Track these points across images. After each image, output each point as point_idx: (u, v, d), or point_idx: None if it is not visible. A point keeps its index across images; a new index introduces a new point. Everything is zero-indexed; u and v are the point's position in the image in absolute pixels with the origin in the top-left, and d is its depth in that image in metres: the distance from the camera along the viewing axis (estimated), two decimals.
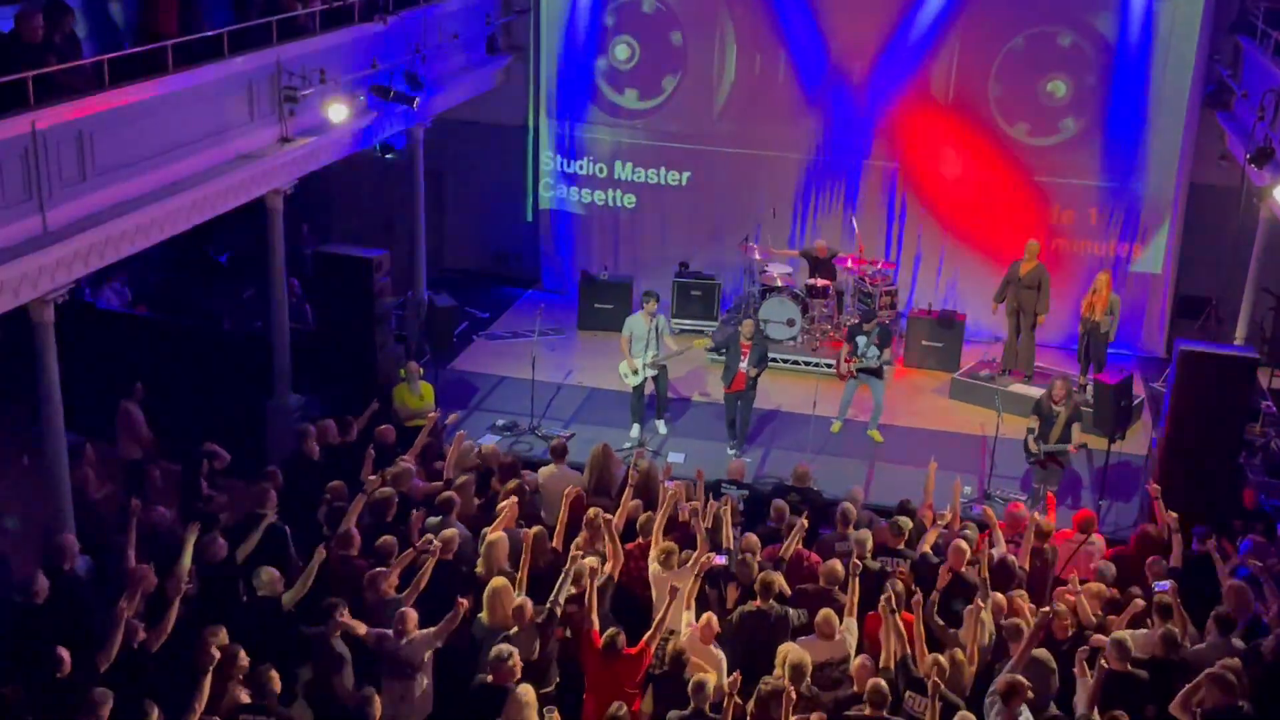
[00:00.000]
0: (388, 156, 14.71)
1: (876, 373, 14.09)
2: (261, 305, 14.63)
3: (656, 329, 13.76)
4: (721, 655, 8.60)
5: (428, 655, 8.40)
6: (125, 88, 10.09)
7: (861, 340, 13.97)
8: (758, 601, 9.00)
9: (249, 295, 16.14)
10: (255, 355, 13.37)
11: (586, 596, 8.55)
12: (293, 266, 14.41)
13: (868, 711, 7.79)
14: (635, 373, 13.75)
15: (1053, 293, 15.19)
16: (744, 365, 13.47)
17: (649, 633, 8.45)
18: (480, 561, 9.40)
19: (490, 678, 8.00)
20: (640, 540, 9.85)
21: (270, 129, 12.21)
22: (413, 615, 8.41)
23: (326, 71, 12.59)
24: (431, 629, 8.40)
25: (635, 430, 13.91)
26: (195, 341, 13.92)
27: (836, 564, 9.43)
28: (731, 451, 13.57)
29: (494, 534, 9.51)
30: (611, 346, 14.64)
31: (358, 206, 18.08)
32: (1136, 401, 14.07)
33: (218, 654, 7.64)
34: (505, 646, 8.08)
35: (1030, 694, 7.85)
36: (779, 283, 16.39)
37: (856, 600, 8.99)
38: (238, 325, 15.61)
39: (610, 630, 8.30)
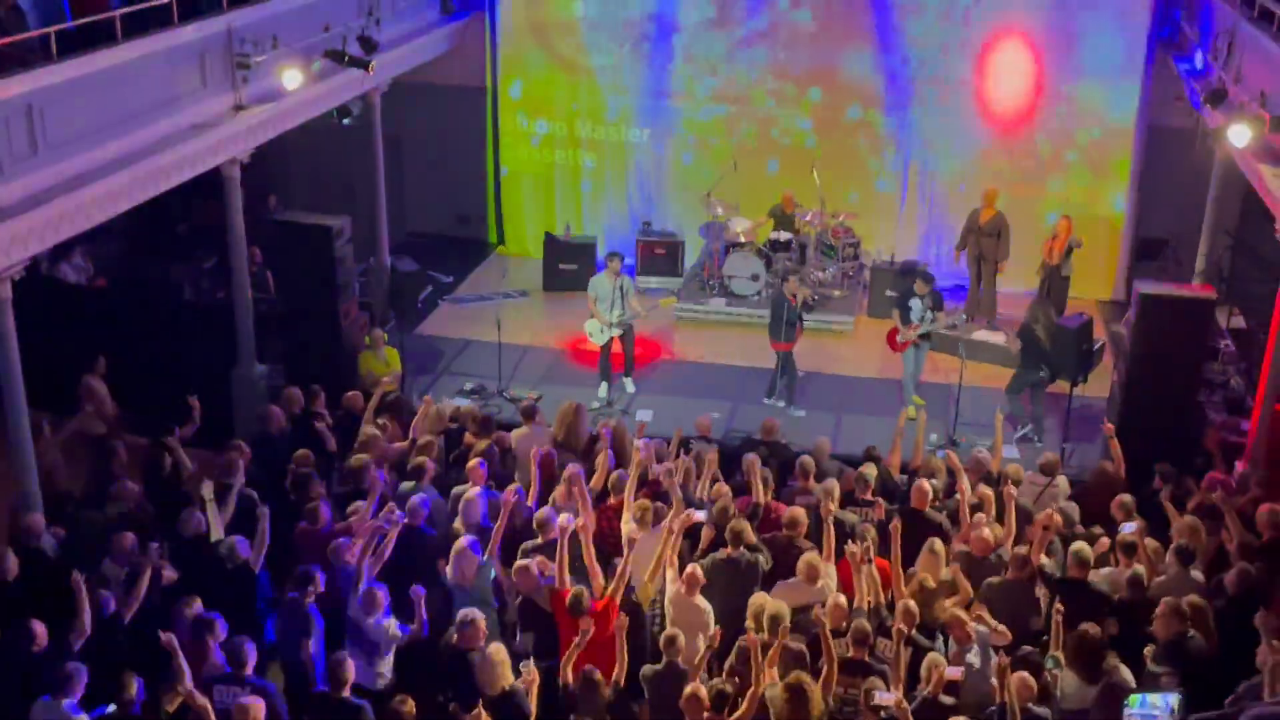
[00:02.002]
0: (345, 122, 14.59)
1: (926, 337, 13.63)
2: (223, 275, 14.55)
3: (621, 289, 13.76)
4: (708, 607, 8.68)
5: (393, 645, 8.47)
6: (74, 59, 9.97)
7: (917, 304, 13.45)
8: (728, 550, 9.11)
9: (210, 266, 16.02)
10: (218, 326, 13.31)
11: (558, 555, 8.59)
12: (258, 236, 14.31)
13: (851, 653, 7.91)
14: (601, 331, 13.77)
15: (1014, 239, 15.30)
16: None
17: (610, 586, 8.49)
18: (458, 520, 9.44)
19: (456, 638, 8.06)
20: (612, 499, 9.92)
21: (224, 97, 12.09)
22: (381, 598, 8.43)
23: (279, 38, 12.46)
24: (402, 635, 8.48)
25: (603, 389, 13.94)
26: (157, 314, 13.83)
27: (799, 511, 9.55)
28: (768, 401, 13.76)
29: (470, 493, 9.55)
30: (577, 307, 14.65)
31: (317, 174, 17.93)
32: (1098, 345, 14.21)
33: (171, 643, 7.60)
34: (472, 610, 8.13)
35: (974, 631, 8.13)
36: (742, 239, 16.42)
37: (832, 549, 9.10)
38: (200, 296, 15.50)
39: (575, 590, 8.35)
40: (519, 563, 8.71)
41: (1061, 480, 10.91)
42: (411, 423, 11.36)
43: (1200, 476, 10.93)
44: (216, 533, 9.20)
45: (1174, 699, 3.33)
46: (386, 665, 8.49)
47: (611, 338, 13.82)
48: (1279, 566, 9.05)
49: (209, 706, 7.07)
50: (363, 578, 8.52)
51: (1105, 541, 9.61)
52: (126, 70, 10.60)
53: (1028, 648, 8.37)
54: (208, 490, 9.36)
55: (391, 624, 8.43)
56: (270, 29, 12.41)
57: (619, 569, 8.54)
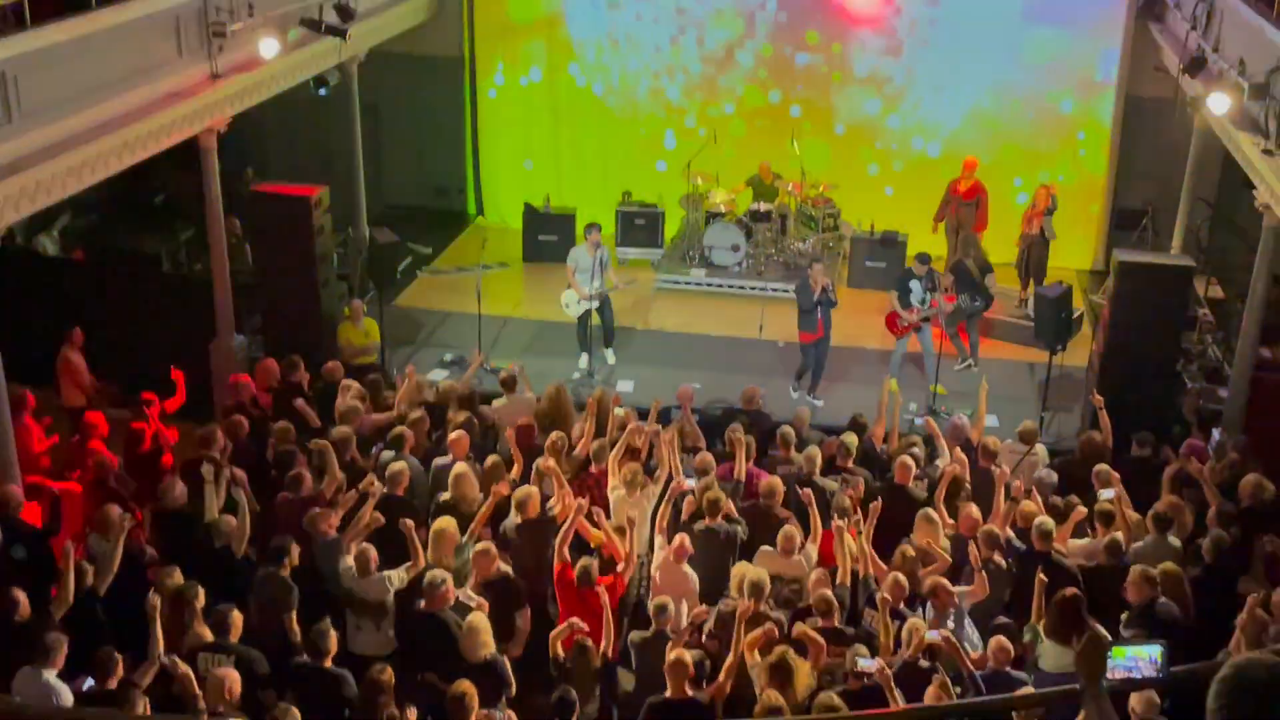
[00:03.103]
0: (321, 92, 14.46)
1: (929, 319, 13.48)
2: (200, 247, 14.45)
3: (601, 260, 13.72)
4: (694, 575, 8.72)
5: (390, 596, 8.45)
6: (48, 26, 9.84)
7: (916, 286, 13.35)
8: (707, 520, 9.13)
9: (187, 237, 15.90)
10: (196, 297, 13.23)
11: (563, 531, 8.60)
12: (235, 207, 14.20)
13: (819, 623, 7.94)
14: (579, 302, 13.74)
15: (991, 209, 15.32)
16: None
17: (621, 565, 8.53)
18: (448, 492, 9.42)
19: (424, 603, 8.07)
20: (594, 467, 9.93)
21: (199, 66, 11.95)
22: (373, 554, 8.43)
23: (255, 6, 12.32)
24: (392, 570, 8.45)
25: (584, 360, 13.92)
26: (134, 286, 13.72)
27: (776, 481, 9.57)
28: (795, 395, 13.40)
29: (460, 466, 9.53)
30: (557, 277, 14.61)
31: (294, 144, 17.81)
32: (1076, 314, 14.27)
33: (158, 601, 7.61)
34: (439, 572, 8.13)
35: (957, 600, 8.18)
36: (723, 209, 16.40)
37: (817, 524, 9.12)
38: (177, 268, 15.39)
39: (583, 561, 8.37)
40: (479, 546, 8.67)
41: (1040, 449, 10.98)
42: (393, 396, 11.35)
43: (1179, 444, 11.01)
44: (212, 513, 9.15)
45: (1158, 650, 3.34)
46: (391, 626, 8.49)
47: (589, 310, 13.80)
48: (1256, 533, 9.14)
49: (190, 674, 7.05)
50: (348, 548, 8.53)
51: (1082, 511, 9.65)
52: (101, 38, 10.47)
53: (1003, 619, 8.44)
54: (208, 471, 9.30)
55: (390, 575, 8.44)
56: None
57: (624, 550, 8.56)
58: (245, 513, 9.02)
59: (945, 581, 8.30)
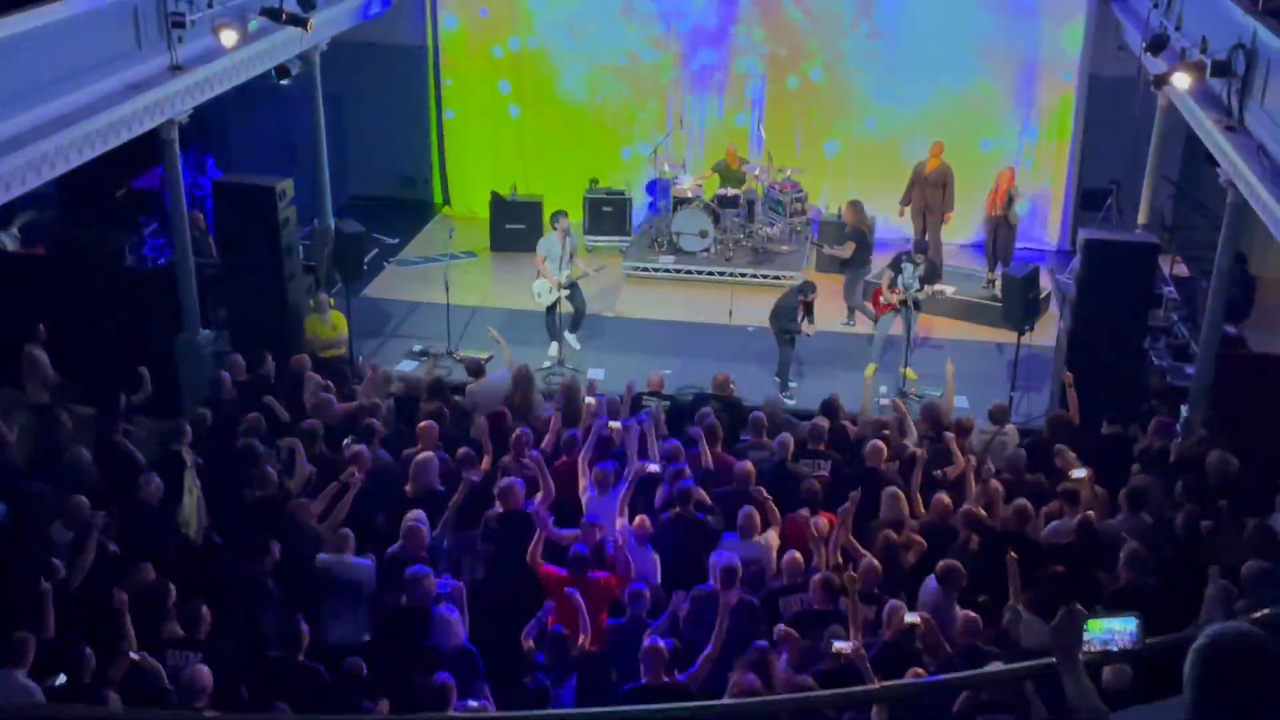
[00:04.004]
0: (284, 82, 14.32)
1: (916, 305, 13.43)
2: (165, 240, 14.30)
3: (568, 248, 13.70)
4: (655, 557, 8.71)
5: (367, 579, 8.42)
6: (2, 19, 9.69)
7: (909, 269, 13.29)
8: (677, 509, 9.13)
9: (151, 230, 15.74)
10: (161, 291, 13.09)
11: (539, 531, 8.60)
12: (198, 199, 14.08)
13: (816, 605, 7.97)
14: (550, 291, 13.70)
15: (958, 191, 15.37)
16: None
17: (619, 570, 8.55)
18: (409, 483, 9.38)
19: (405, 599, 8.03)
20: (565, 457, 9.90)
21: (159, 58, 11.80)
22: (349, 536, 8.44)
23: None
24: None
25: (554, 349, 13.88)
26: (98, 281, 13.56)
27: (749, 465, 9.59)
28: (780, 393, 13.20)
29: (422, 454, 9.50)
30: (525, 266, 14.57)
31: (258, 136, 17.66)
32: (1044, 294, 14.34)
33: (125, 598, 7.55)
34: (418, 566, 8.10)
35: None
36: (690, 194, 16.38)
37: (775, 511, 9.15)
38: (141, 262, 15.24)
39: (576, 555, 8.40)
40: None
41: (1010, 429, 11.03)
42: (360, 388, 11.30)
43: (1147, 422, 11.08)
44: (189, 501, 9.09)
45: (1134, 622, 3.36)
46: (367, 613, 8.45)
47: (559, 298, 13.76)
48: (1224, 508, 9.21)
49: (161, 669, 6.99)
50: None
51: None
52: (57, 30, 10.32)
53: (982, 597, 8.48)
54: (189, 455, 9.23)
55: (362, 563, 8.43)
56: None
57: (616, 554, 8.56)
58: (199, 498, 8.96)
59: (958, 564, 8.28)
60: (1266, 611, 4.59)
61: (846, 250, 14.38)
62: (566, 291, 13.73)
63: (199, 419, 10.29)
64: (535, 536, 8.54)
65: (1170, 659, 2.71)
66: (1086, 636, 3.28)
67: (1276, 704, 2.59)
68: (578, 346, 14.13)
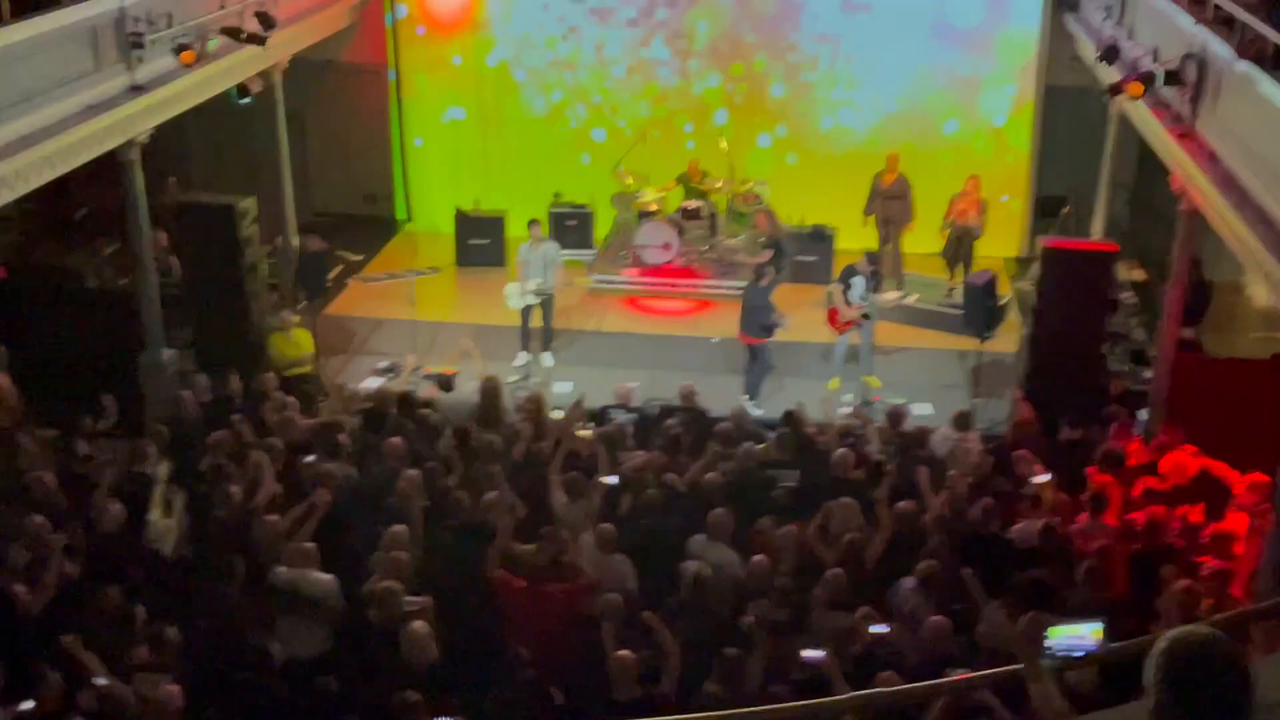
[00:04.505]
0: (245, 101, 14.28)
1: (866, 315, 13.50)
2: (126, 260, 14.20)
3: (544, 257, 13.75)
4: (626, 560, 8.75)
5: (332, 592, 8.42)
6: None
7: (859, 282, 13.35)
8: (644, 520, 9.19)
9: (112, 251, 15.64)
10: (124, 312, 13.01)
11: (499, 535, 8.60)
12: (159, 219, 13.99)
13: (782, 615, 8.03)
14: (520, 295, 13.75)
15: (917, 201, 15.52)
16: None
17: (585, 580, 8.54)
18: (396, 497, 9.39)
19: (375, 613, 8.04)
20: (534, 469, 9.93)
21: (119, 78, 11.77)
22: (313, 551, 8.42)
23: (173, 15, 12.17)
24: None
25: (522, 358, 13.91)
26: (60, 302, 13.47)
27: (716, 475, 9.65)
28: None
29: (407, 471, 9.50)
30: (490, 281, 14.59)
31: (218, 155, 17.59)
32: (1003, 301, 14.49)
33: (76, 639, 7.42)
34: (393, 583, 8.09)
35: None
36: (654, 208, 16.44)
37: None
38: (103, 283, 15.14)
39: (554, 555, 8.40)
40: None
41: (974, 434, 11.15)
42: (323, 404, 11.30)
43: (1107, 426, 11.23)
44: (159, 515, 9.04)
45: (1096, 627, 3.43)
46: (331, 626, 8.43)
47: (529, 306, 13.80)
48: (1183, 510, 9.36)
49: (129, 696, 6.94)
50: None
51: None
52: (16, 51, 10.27)
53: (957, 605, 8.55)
54: (164, 470, 9.18)
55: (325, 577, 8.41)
56: (164, 6, 12.09)
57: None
58: (179, 515, 8.91)
59: (936, 564, 8.36)
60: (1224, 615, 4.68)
61: (764, 259, 14.49)
62: (535, 300, 13.77)
63: (158, 436, 10.23)
64: (493, 546, 8.56)
65: (1135, 663, 2.77)
66: (1049, 642, 3.35)
67: (1236, 705, 2.66)
68: (549, 364, 14.15)
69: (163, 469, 9.29)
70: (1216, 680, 2.66)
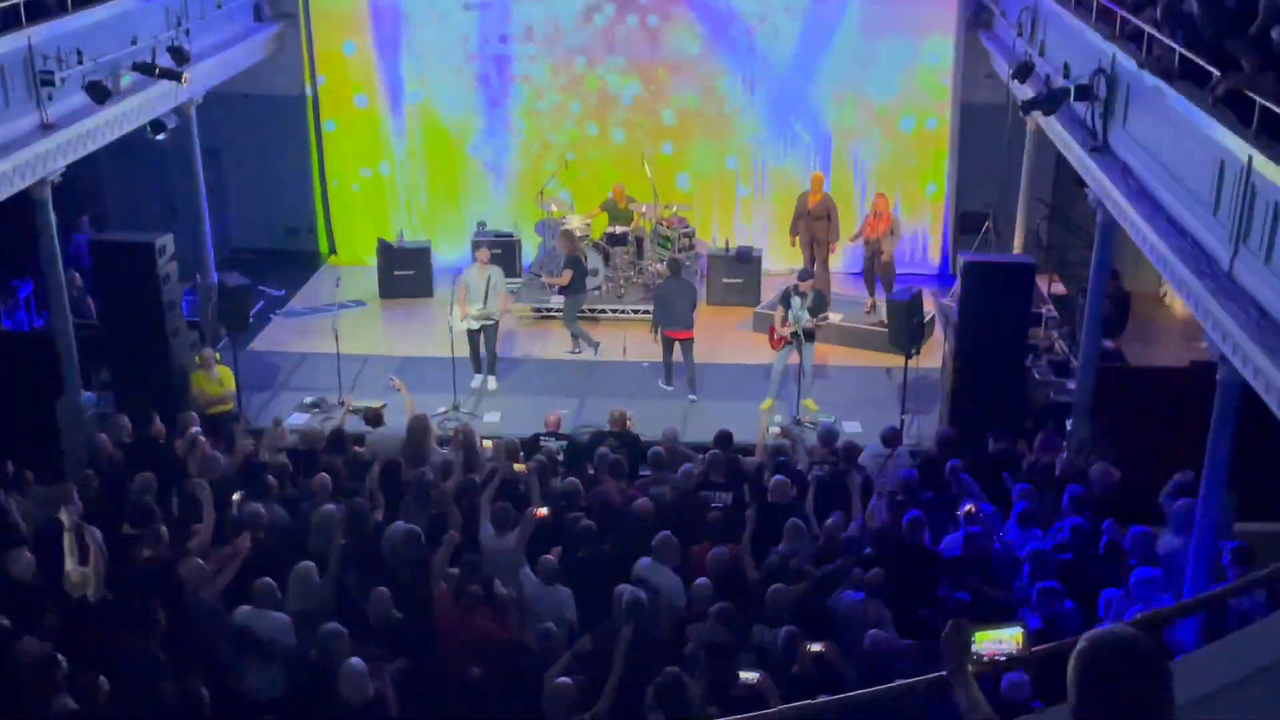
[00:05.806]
0: (159, 137, 14.09)
1: (809, 336, 13.46)
2: (40, 302, 13.93)
3: (489, 281, 13.72)
4: (567, 591, 8.71)
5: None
6: None
7: (796, 302, 13.35)
8: (581, 549, 9.14)
9: (25, 294, 15.31)
10: (39, 354, 12.72)
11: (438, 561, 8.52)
12: (73, 259, 13.75)
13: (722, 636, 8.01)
14: (462, 320, 13.71)
15: (842, 221, 15.67)
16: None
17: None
18: (311, 537, 9.24)
19: (315, 653, 7.90)
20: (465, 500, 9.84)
21: (28, 117, 11.53)
22: (273, 586, 8.32)
23: (84, 52, 11.97)
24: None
25: (477, 380, 14.03)
26: None
27: (647, 502, 9.66)
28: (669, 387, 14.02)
29: (326, 506, 9.38)
30: (417, 312, 14.47)
31: (135, 192, 17.33)
32: (927, 318, 14.64)
33: None
34: (335, 625, 7.97)
35: None
36: (579, 234, 16.43)
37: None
38: (16, 325, 14.81)
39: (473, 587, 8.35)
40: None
41: (902, 450, 11.23)
42: (250, 443, 11.11)
43: (1032, 437, 11.37)
44: (70, 563, 8.81)
45: (1020, 631, 3.46)
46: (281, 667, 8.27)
47: (478, 328, 13.78)
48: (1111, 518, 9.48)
49: None
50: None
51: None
52: None
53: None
54: (66, 517, 8.95)
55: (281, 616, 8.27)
56: (74, 43, 11.88)
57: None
58: (96, 560, 8.72)
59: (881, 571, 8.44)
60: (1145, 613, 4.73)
61: (565, 278, 14.65)
62: (477, 324, 13.73)
63: (85, 481, 10.01)
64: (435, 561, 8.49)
65: (1063, 666, 2.78)
66: (975, 648, 3.36)
67: (1154, 703, 2.67)
68: (493, 388, 14.12)
69: (65, 516, 9.03)
70: (1133, 679, 2.67)
